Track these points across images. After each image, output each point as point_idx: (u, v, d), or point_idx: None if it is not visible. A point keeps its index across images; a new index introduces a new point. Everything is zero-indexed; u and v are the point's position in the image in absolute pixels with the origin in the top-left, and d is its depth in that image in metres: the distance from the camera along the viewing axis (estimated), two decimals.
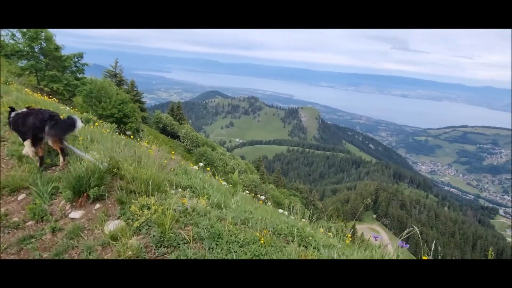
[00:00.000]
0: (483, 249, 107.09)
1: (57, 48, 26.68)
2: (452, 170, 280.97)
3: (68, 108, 12.25)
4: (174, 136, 60.26)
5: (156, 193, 3.78)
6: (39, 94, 14.19)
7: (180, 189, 4.12)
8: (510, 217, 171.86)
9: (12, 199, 4.20)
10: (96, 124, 7.39)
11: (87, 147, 4.66)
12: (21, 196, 4.20)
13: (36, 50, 25.77)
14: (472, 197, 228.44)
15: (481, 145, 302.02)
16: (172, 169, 4.42)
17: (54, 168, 4.87)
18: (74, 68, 29.34)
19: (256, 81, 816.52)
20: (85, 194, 3.81)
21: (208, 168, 5.77)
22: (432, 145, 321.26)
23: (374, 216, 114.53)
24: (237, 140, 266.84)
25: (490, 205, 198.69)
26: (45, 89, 26.05)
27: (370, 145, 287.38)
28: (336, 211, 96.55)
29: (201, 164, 5.90)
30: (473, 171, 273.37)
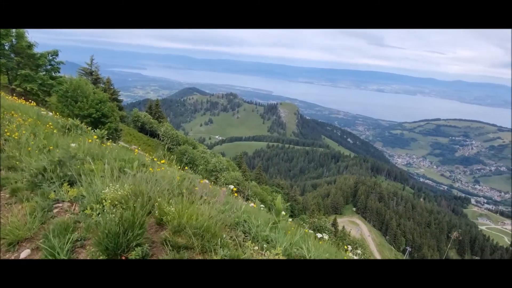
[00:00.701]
0: (458, 237, 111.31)
1: (30, 46, 24.73)
2: (426, 162, 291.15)
3: (50, 113, 10.95)
4: (153, 134, 58.54)
5: (218, 248, 2.81)
6: (15, 97, 12.76)
7: (236, 236, 3.17)
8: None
9: (12, 257, 2.99)
10: (95, 137, 6.28)
11: (102, 176, 3.56)
12: (24, 253, 3.01)
13: (7, 47, 23.75)
14: (446, 187, 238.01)
15: (453, 137, 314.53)
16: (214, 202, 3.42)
17: (61, 204, 3.66)
18: (49, 67, 27.36)
19: (234, 77, 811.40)
20: (123, 258, 2.79)
21: (234, 189, 4.90)
22: (407, 138, 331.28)
23: (354, 209, 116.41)
24: (217, 137, 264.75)
25: (463, 195, 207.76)
26: (18, 89, 24.12)
27: (349, 140, 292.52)
28: (317, 206, 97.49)
29: (230, 186, 5.01)
30: (446, 163, 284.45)
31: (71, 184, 3.97)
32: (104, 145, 6.23)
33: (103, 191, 3.10)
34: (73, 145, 5.60)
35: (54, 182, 3.96)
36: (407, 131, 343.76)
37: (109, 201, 2.89)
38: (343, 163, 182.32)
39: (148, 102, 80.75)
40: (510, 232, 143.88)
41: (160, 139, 56.35)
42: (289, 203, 69.88)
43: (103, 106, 33.66)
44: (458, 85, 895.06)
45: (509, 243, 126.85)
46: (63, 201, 3.80)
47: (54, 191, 3.87)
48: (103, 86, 50.16)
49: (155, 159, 5.69)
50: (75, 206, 3.63)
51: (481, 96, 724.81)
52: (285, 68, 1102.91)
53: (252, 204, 4.77)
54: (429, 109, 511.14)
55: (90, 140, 5.91)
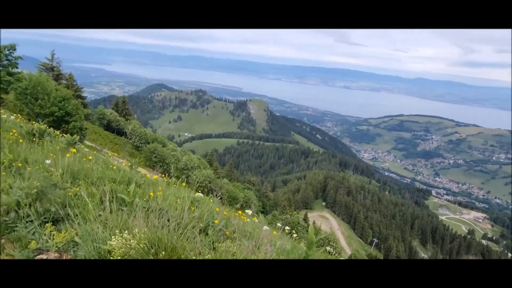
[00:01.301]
0: (421, 228, 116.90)
1: None
2: (391, 156, 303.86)
3: (12, 117, 9.65)
4: (120, 132, 55.93)
5: None
6: None
7: None
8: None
9: None
10: (73, 150, 5.33)
11: (99, 215, 2.74)
12: None
13: None
14: (409, 180, 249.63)
15: (415, 132, 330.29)
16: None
17: (45, 256, 2.74)
18: (5, 62, 25.05)
19: (203, 73, 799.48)
20: None
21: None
22: (372, 133, 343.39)
23: (324, 203, 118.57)
24: (186, 134, 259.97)
25: (424, 187, 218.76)
26: None
27: (317, 136, 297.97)
28: (288, 202, 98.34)
29: (249, 212, 4.29)
30: (409, 157, 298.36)
31: (55, 222, 3.12)
32: (85, 159, 5.34)
33: (108, 241, 2.34)
34: (47, 161, 4.71)
35: (32, 221, 3.03)
36: (373, 126, 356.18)
37: (118, 256, 2.18)
38: (312, 158, 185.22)
39: (115, 99, 77.16)
40: (468, 221, 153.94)
41: (127, 137, 54.01)
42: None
43: (67, 103, 31.43)
44: (420, 83, 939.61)
45: (466, 231, 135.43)
46: (48, 251, 2.84)
47: (33, 234, 2.93)
48: (66, 82, 47.24)
49: (148, 175, 4.93)
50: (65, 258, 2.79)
51: (441, 93, 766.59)
52: (254, 65, 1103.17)
53: (266, 227, 4.08)
54: (393, 106, 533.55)
55: (68, 155, 5.03)
